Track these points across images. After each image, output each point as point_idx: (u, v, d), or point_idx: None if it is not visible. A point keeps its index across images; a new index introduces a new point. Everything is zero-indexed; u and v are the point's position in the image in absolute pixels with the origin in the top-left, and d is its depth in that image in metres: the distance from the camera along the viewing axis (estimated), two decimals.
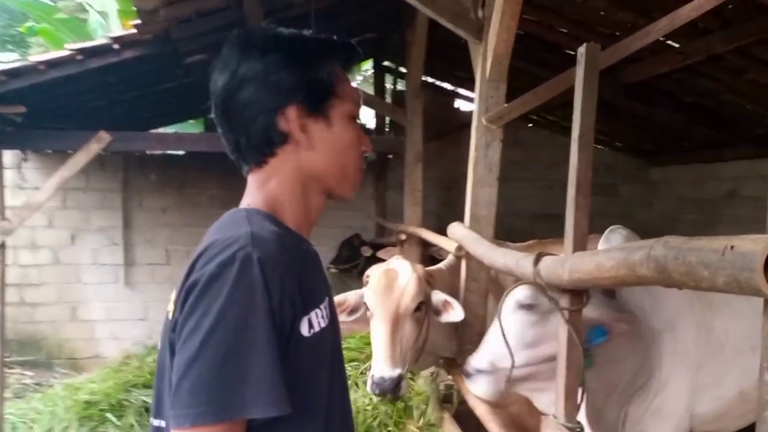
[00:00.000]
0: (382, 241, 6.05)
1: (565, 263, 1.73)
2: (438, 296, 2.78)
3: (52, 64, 3.95)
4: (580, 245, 1.80)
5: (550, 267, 1.81)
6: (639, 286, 1.85)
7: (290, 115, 1.08)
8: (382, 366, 2.52)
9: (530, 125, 7.33)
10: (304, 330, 0.98)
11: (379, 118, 7.29)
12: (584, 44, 1.78)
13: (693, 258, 1.12)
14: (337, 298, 2.72)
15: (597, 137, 7.06)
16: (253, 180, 1.12)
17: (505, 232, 3.54)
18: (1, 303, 4.22)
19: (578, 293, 1.79)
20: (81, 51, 3.94)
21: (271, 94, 1.07)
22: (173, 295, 1.00)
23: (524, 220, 6.89)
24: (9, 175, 5.96)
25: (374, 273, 2.79)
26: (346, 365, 1.25)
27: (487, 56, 2.93)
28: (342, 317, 2.74)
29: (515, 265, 2.10)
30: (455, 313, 2.72)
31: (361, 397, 3.48)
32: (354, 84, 1.18)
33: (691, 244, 1.15)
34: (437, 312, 2.78)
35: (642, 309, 2.28)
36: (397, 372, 2.51)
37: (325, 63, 1.11)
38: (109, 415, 4.38)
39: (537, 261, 1.90)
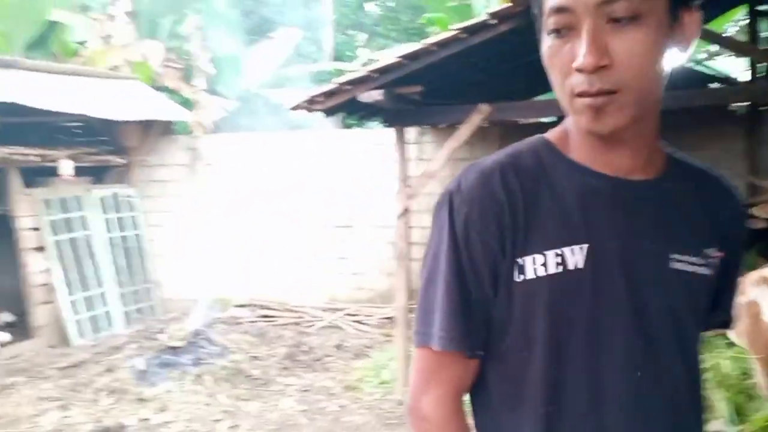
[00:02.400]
0: (755, 201, 5.27)
1: None
2: None
3: (441, 44, 4.45)
4: None
5: None
6: None
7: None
8: None
9: None
10: (515, 274, 0.94)
11: (753, 67, 6.32)
12: None
13: None
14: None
15: None
16: None
17: None
18: (407, 258, 5.00)
19: None
20: (464, 29, 4.34)
21: None
22: None
23: None
24: (412, 149, 6.88)
25: None
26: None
27: None
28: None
29: None
30: None
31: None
32: None
33: None
34: None
35: None
36: None
37: None
38: None
39: None
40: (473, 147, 6.97)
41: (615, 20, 0.84)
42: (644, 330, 0.95)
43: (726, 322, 1.15)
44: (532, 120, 6.75)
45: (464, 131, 4.81)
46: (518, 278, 0.93)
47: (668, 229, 0.98)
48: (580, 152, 0.97)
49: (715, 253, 1.01)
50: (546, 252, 0.92)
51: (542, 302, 0.93)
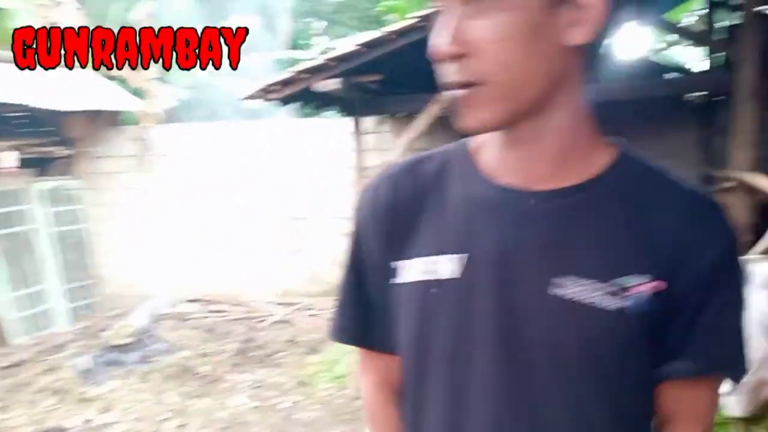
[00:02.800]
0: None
1: None
2: None
3: (400, 32, 4.38)
4: None
5: None
6: None
7: None
8: None
9: None
10: (392, 277, 0.92)
11: (710, 57, 6.41)
12: None
13: None
14: None
15: None
16: None
17: None
18: None
19: None
20: (423, 18, 4.27)
21: None
22: None
23: None
24: (370, 139, 6.76)
25: None
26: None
27: None
28: None
29: None
30: None
31: None
32: None
33: None
34: None
35: None
36: None
37: None
38: None
39: None
40: (433, 137, 6.85)
41: (475, 1, 0.74)
42: (513, 362, 0.82)
43: (709, 371, 0.86)
44: None
45: (423, 121, 4.73)
46: (394, 282, 0.91)
47: (559, 249, 0.81)
48: (488, 158, 0.88)
49: (640, 283, 0.79)
50: (421, 258, 0.88)
51: (410, 309, 0.90)
